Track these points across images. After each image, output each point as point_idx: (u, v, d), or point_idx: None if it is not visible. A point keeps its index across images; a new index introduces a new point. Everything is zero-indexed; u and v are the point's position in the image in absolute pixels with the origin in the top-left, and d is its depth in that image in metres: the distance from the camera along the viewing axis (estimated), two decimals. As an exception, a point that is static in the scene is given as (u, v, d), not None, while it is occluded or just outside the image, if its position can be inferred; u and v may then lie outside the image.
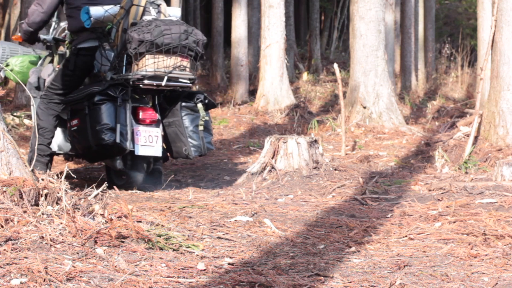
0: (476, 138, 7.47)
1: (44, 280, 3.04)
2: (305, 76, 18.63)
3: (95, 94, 5.73)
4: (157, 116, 5.94)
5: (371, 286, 3.35)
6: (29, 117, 10.23)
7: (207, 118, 6.08)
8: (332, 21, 25.86)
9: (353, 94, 10.54)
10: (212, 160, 8.01)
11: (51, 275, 3.09)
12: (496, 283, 3.42)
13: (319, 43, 21.38)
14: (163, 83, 5.78)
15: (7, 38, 15.39)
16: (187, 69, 5.86)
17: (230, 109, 12.61)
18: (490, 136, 7.41)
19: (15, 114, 10.29)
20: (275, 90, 12.56)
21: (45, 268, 3.15)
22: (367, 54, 10.46)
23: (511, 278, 3.49)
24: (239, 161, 7.95)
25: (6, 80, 6.77)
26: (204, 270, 3.45)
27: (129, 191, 5.75)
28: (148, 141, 5.84)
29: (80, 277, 3.15)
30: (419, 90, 18.03)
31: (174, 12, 6.27)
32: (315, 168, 6.28)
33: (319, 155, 6.39)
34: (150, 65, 5.71)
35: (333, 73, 18.23)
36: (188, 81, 5.90)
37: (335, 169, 6.43)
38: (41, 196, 3.80)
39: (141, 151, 5.80)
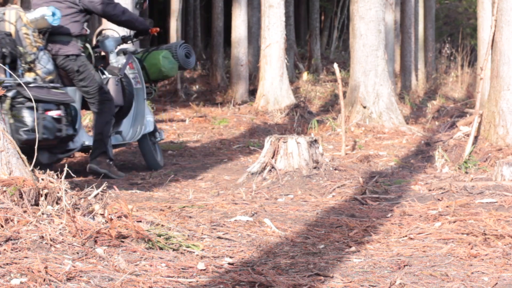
0: (476, 138, 7.47)
1: (44, 280, 3.04)
2: (305, 76, 18.64)
3: None
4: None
5: (371, 286, 3.35)
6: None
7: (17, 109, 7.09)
8: (332, 21, 25.87)
9: (353, 94, 10.54)
10: (212, 160, 8.01)
11: (51, 275, 3.09)
12: (496, 283, 3.42)
13: (319, 43, 21.39)
14: None
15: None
16: None
17: (230, 109, 12.61)
18: (490, 136, 7.41)
19: (15, 114, 10.28)
20: (275, 90, 12.56)
21: (45, 268, 3.14)
22: (367, 54, 10.46)
23: (511, 278, 3.49)
24: (239, 161, 7.95)
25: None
26: (204, 270, 3.45)
27: (129, 191, 5.76)
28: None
29: (80, 277, 3.14)
30: (419, 90, 18.04)
31: (34, 14, 6.88)
32: (315, 168, 6.28)
33: (319, 155, 6.39)
34: None
35: (333, 73, 18.24)
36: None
37: (335, 169, 6.42)
38: (41, 196, 3.80)
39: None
